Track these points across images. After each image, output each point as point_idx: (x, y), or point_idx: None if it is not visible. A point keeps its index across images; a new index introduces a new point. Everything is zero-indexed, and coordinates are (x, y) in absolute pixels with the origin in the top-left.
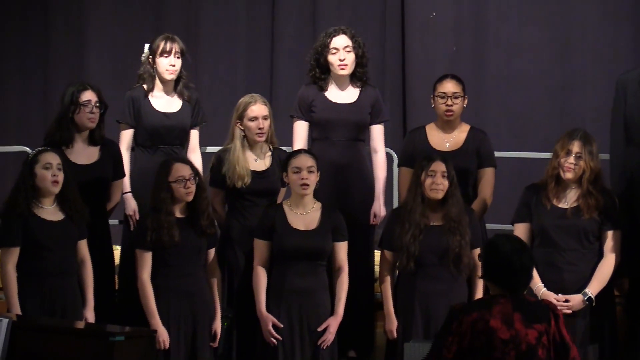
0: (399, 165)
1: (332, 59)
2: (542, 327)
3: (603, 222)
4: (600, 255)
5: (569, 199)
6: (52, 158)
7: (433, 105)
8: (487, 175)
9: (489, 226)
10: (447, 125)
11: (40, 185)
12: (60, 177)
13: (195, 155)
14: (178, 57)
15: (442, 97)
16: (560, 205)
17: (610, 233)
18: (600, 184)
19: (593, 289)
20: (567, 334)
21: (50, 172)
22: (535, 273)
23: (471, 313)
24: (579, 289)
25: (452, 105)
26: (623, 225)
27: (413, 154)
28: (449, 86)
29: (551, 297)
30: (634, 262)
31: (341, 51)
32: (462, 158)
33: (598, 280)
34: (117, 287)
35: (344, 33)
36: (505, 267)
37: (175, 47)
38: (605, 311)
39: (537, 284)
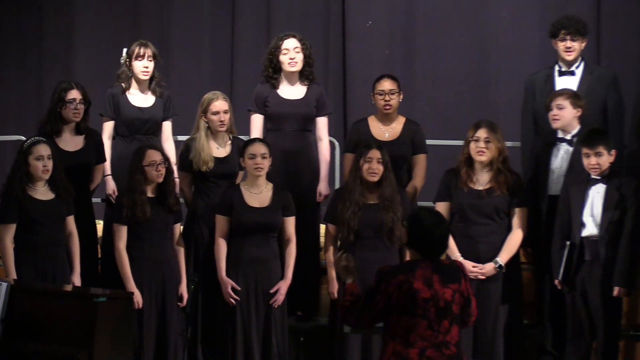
0: (344, 152)
1: (284, 58)
2: (456, 286)
3: (512, 200)
4: (509, 229)
5: (483, 181)
6: (44, 150)
7: (373, 101)
8: (420, 161)
9: (422, 203)
10: (386, 118)
11: (33, 172)
12: (50, 165)
13: (169, 143)
14: (151, 60)
15: (381, 94)
16: (475, 187)
17: (517, 210)
18: (507, 165)
19: (503, 258)
20: (470, 289)
21: (41, 162)
22: (454, 245)
23: (398, 276)
24: (491, 258)
25: (389, 101)
26: (529, 203)
27: (357, 142)
28: (386, 84)
29: (468, 265)
30: (536, 234)
31: (291, 51)
32: (399, 146)
33: (507, 250)
34: (99, 255)
35: (294, 37)
36: (426, 236)
37: (148, 52)
38: (513, 277)
39: (455, 253)
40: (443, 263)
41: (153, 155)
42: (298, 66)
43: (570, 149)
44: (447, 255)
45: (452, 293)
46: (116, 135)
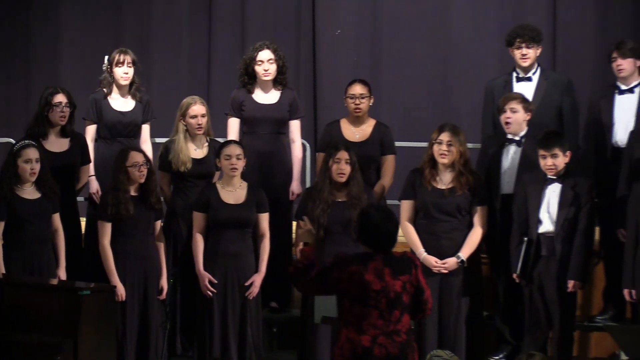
0: (317, 151)
1: (258, 69)
2: (407, 277)
3: (473, 199)
4: (470, 226)
5: (446, 181)
6: (33, 153)
7: (345, 104)
8: (389, 161)
9: (390, 202)
10: (356, 120)
11: (21, 174)
12: (37, 168)
13: (146, 145)
14: (131, 66)
15: (352, 98)
16: (438, 186)
17: (478, 208)
18: (469, 167)
19: (465, 253)
20: (423, 279)
21: (29, 165)
22: (418, 240)
23: (351, 266)
24: (454, 253)
25: (359, 104)
26: (489, 202)
27: (329, 142)
28: (357, 89)
29: (432, 260)
30: (491, 228)
31: (265, 63)
32: (368, 147)
33: (468, 246)
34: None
35: (268, 48)
36: (374, 232)
37: (128, 58)
38: (474, 271)
39: (419, 249)
40: (394, 256)
41: (136, 157)
42: (271, 76)
43: (519, 149)
44: (412, 250)
45: (402, 284)
46: (98, 137)
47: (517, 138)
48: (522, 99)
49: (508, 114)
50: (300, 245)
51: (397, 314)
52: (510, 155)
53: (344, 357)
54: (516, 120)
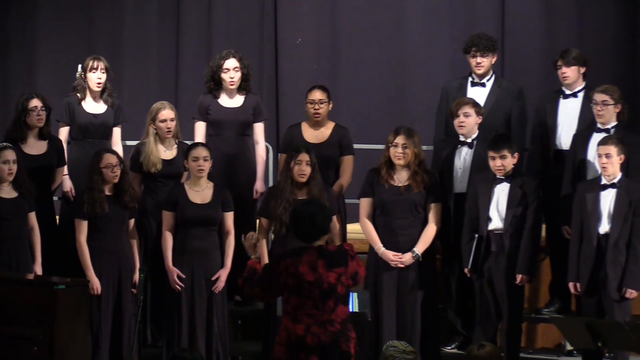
0: (280, 152)
1: (224, 76)
2: (341, 269)
3: (428, 197)
4: (425, 223)
5: (402, 180)
6: (10, 155)
7: (306, 109)
8: (347, 162)
9: (349, 200)
10: (316, 124)
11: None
12: (15, 169)
13: (117, 147)
14: (104, 72)
15: (312, 103)
16: (395, 184)
17: (433, 205)
18: (424, 166)
19: (420, 248)
20: (359, 263)
21: (7, 166)
22: (376, 236)
23: (287, 259)
24: (410, 248)
25: (318, 109)
26: (443, 199)
27: (290, 143)
28: (317, 94)
29: (389, 255)
30: (445, 225)
31: (231, 71)
32: (327, 148)
33: (424, 241)
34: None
35: (234, 56)
36: (304, 225)
37: (101, 65)
38: (429, 265)
39: (377, 244)
40: (329, 249)
41: (109, 158)
42: (237, 84)
43: (471, 151)
44: (371, 245)
45: (336, 276)
46: (71, 139)
47: (469, 140)
48: (473, 103)
49: (461, 118)
50: (264, 247)
51: (331, 304)
52: (463, 157)
53: (281, 345)
54: (469, 123)
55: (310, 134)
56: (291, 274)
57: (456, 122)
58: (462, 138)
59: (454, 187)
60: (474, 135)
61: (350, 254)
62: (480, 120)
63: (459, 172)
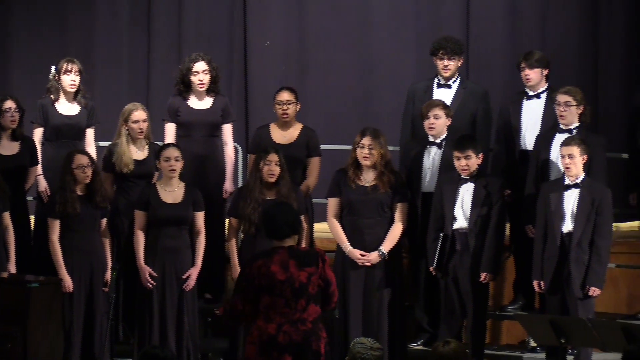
0: (249, 153)
1: (194, 79)
2: (312, 269)
3: (394, 196)
4: (391, 222)
5: (369, 180)
6: None
7: (274, 110)
8: (314, 163)
9: (317, 200)
10: (284, 125)
11: None
12: None
13: (90, 148)
14: (77, 75)
15: (280, 104)
16: (362, 184)
17: (399, 205)
18: (390, 167)
19: (386, 247)
20: (330, 273)
21: None
22: (343, 235)
23: (258, 260)
24: (376, 247)
25: (286, 110)
26: (409, 199)
27: (259, 144)
28: (285, 96)
29: (356, 253)
30: (412, 224)
31: (200, 73)
32: (295, 149)
33: (390, 240)
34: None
35: (203, 59)
36: (275, 224)
37: (75, 68)
38: (396, 264)
39: (345, 243)
40: (300, 250)
41: (81, 159)
42: (206, 86)
43: (440, 151)
44: (338, 244)
45: (307, 275)
46: (45, 140)
47: (438, 141)
48: (443, 105)
49: (431, 120)
50: (233, 246)
51: (303, 303)
52: (432, 157)
53: (253, 344)
54: (439, 125)
55: (279, 135)
56: (263, 273)
57: (426, 123)
58: (431, 139)
59: (422, 187)
60: (443, 136)
61: (322, 257)
62: (449, 122)
63: (428, 172)
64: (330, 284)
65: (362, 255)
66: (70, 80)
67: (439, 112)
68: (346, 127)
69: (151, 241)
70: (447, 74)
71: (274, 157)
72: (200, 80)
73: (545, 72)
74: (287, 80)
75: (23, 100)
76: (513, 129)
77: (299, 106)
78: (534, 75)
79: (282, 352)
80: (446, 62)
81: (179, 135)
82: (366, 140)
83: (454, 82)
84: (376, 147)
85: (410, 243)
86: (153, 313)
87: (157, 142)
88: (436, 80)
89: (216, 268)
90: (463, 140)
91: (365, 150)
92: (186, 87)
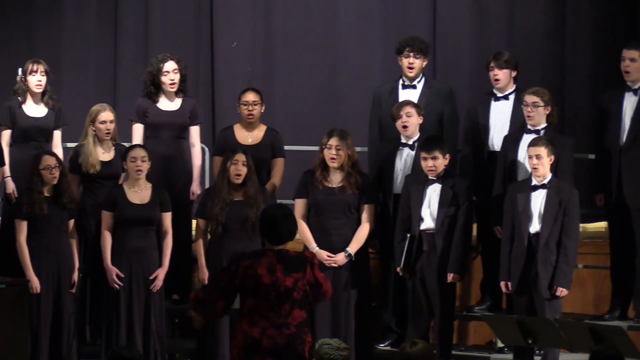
0: (213, 155)
1: (165, 79)
2: (299, 275)
3: (361, 197)
4: (358, 223)
5: (336, 181)
6: None
7: (239, 111)
8: (279, 164)
9: (281, 200)
10: (249, 126)
11: None
12: None
13: (58, 149)
14: (44, 75)
15: (245, 105)
16: (329, 185)
17: (366, 206)
18: (357, 168)
19: (353, 248)
20: (320, 275)
21: None
22: (311, 236)
23: (246, 260)
24: (343, 248)
25: (252, 111)
26: (376, 200)
27: (224, 146)
28: (250, 96)
29: (323, 254)
30: (384, 226)
31: (171, 73)
32: (260, 150)
33: (357, 241)
34: None
35: (172, 59)
36: (274, 228)
37: (41, 68)
38: (363, 265)
39: (312, 244)
40: (289, 254)
41: (48, 160)
42: (177, 86)
43: (412, 152)
44: (305, 245)
45: (293, 281)
46: (13, 142)
47: (410, 142)
48: (414, 104)
49: (404, 118)
50: (201, 246)
51: (287, 308)
52: (404, 158)
53: (238, 348)
54: (412, 123)
55: (243, 136)
56: (249, 275)
57: (399, 123)
58: (403, 140)
59: (394, 188)
60: (415, 137)
61: (311, 261)
62: (421, 121)
63: (400, 173)
64: (321, 285)
65: (329, 256)
66: (37, 80)
67: (410, 109)
68: (313, 128)
69: (118, 242)
70: (412, 73)
71: (241, 157)
72: (172, 80)
73: (514, 73)
74: (254, 81)
75: None
76: (481, 129)
77: (263, 107)
78: (502, 76)
79: (266, 356)
80: (412, 60)
81: (147, 136)
82: (333, 141)
83: (418, 82)
84: (343, 148)
85: (382, 244)
86: (120, 314)
87: (123, 144)
88: (401, 82)
89: (183, 269)
90: (430, 141)
91: (333, 151)
92: (156, 89)
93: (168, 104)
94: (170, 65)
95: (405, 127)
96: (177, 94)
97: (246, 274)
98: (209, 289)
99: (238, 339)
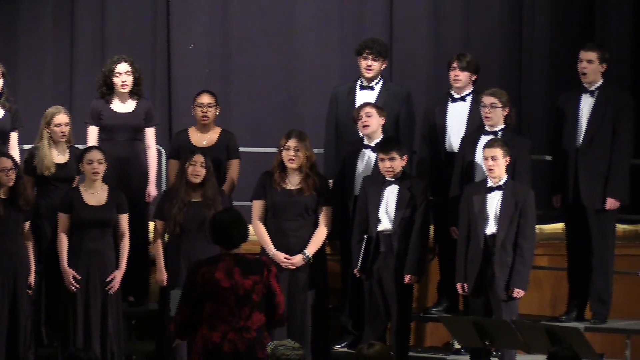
0: (168, 158)
1: (117, 81)
2: (257, 278)
3: (319, 199)
4: (316, 225)
5: (294, 183)
6: None
7: (193, 113)
8: (234, 165)
9: (240, 202)
10: (204, 128)
11: None
12: None
13: (14, 152)
14: (0, 77)
15: (200, 106)
16: (287, 187)
17: (324, 208)
18: (315, 169)
19: (310, 250)
20: (275, 284)
21: None
22: (268, 238)
23: (202, 267)
24: (300, 250)
25: (207, 113)
26: (335, 202)
27: (179, 149)
28: (205, 98)
29: (281, 256)
30: (344, 227)
31: (123, 75)
32: (215, 152)
33: (314, 243)
34: None
35: (125, 61)
36: (226, 233)
37: None
38: (320, 266)
39: (269, 245)
40: (246, 257)
41: (4, 162)
42: (129, 88)
43: (374, 154)
44: (262, 247)
45: (252, 283)
46: None
47: (372, 144)
48: (375, 105)
49: (364, 118)
50: (159, 248)
51: (247, 311)
52: (365, 160)
53: (198, 353)
54: (372, 123)
55: (198, 138)
56: (207, 280)
57: (359, 124)
58: (365, 141)
59: (355, 190)
60: (378, 139)
61: (268, 267)
62: (383, 122)
63: (361, 175)
64: (275, 295)
65: (286, 258)
66: None
67: (370, 110)
68: (270, 129)
69: (75, 244)
70: (370, 75)
71: (199, 158)
72: (123, 82)
73: (474, 77)
74: (210, 83)
75: None
76: (439, 130)
77: (218, 110)
78: (463, 77)
79: None
80: (370, 62)
81: (102, 139)
82: (292, 143)
83: (376, 84)
84: (302, 150)
85: (342, 246)
86: (77, 316)
87: (77, 146)
88: (359, 83)
89: (140, 271)
90: (387, 142)
91: (291, 153)
92: (109, 90)
93: (122, 106)
94: (123, 67)
95: (365, 126)
96: (131, 96)
97: (204, 280)
98: (181, 311)
99: (198, 344)
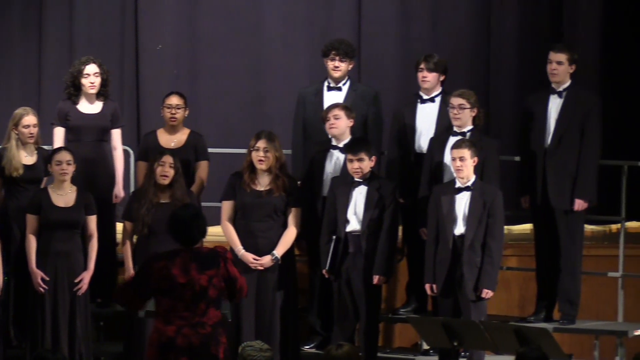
0: (137, 160)
1: (85, 82)
2: (213, 272)
3: (288, 200)
4: (285, 226)
5: (263, 184)
6: None
7: (162, 114)
8: (202, 166)
9: (206, 203)
10: (172, 129)
11: None
12: None
13: None
14: None
15: (169, 108)
16: (257, 188)
17: (293, 209)
18: (285, 170)
19: (279, 251)
20: (233, 269)
21: None
22: (237, 239)
23: (159, 262)
24: (269, 251)
25: (175, 114)
26: (303, 203)
27: (147, 150)
28: (174, 100)
29: (249, 257)
30: (312, 228)
31: (91, 76)
32: (184, 153)
33: (283, 244)
34: None
35: (94, 62)
36: (185, 229)
37: None
38: (289, 267)
39: (238, 246)
40: (202, 252)
41: None
42: (97, 89)
43: (342, 155)
44: (231, 248)
45: (208, 279)
46: None
47: (340, 145)
48: (344, 106)
49: (332, 120)
50: (128, 249)
51: (203, 307)
52: (334, 161)
53: (152, 346)
54: (340, 125)
55: (166, 140)
56: (163, 276)
57: (327, 125)
58: (334, 142)
59: (323, 191)
60: (347, 140)
61: (223, 255)
62: (352, 123)
63: (329, 176)
64: (236, 280)
65: (255, 259)
66: None
67: (338, 112)
68: (238, 130)
69: (43, 245)
70: (337, 75)
71: (168, 159)
72: (92, 83)
73: (442, 77)
74: (178, 84)
75: None
76: (408, 131)
77: (187, 112)
78: (431, 78)
79: (180, 355)
80: (337, 63)
81: (69, 140)
82: (261, 143)
83: (344, 84)
84: (271, 150)
85: (310, 246)
86: (45, 317)
87: (45, 147)
88: (326, 83)
89: (108, 272)
90: (355, 142)
91: (261, 153)
92: (76, 91)
93: (89, 107)
94: (91, 69)
95: (332, 127)
96: (98, 97)
97: (161, 276)
98: (127, 291)
99: (153, 337)
